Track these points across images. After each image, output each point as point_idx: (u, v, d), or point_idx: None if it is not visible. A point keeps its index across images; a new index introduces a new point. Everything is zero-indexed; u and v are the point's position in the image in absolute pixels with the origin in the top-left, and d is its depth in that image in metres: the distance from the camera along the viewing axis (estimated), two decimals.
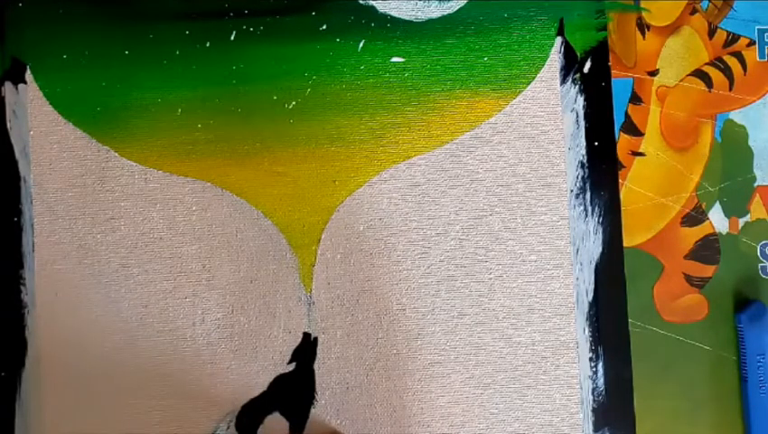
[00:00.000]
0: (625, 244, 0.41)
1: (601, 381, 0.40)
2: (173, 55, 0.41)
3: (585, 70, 0.41)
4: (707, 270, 0.41)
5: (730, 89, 0.42)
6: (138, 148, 0.41)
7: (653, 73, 0.42)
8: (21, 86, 0.41)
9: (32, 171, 0.41)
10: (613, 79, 0.41)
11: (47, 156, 0.41)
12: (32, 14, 0.41)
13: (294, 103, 0.41)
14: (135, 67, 0.41)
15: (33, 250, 0.40)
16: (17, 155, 0.41)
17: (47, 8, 0.41)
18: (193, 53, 0.41)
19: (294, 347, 0.40)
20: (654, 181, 0.41)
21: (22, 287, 0.40)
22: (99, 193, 0.41)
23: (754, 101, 0.42)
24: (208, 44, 0.41)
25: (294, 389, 0.40)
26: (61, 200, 0.41)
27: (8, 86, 0.41)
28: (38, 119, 0.41)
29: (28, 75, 0.41)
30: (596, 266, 0.41)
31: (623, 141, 0.41)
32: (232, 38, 0.41)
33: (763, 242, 0.41)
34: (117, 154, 0.41)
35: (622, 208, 0.41)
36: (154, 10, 0.41)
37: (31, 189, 0.41)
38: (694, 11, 0.42)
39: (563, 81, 0.41)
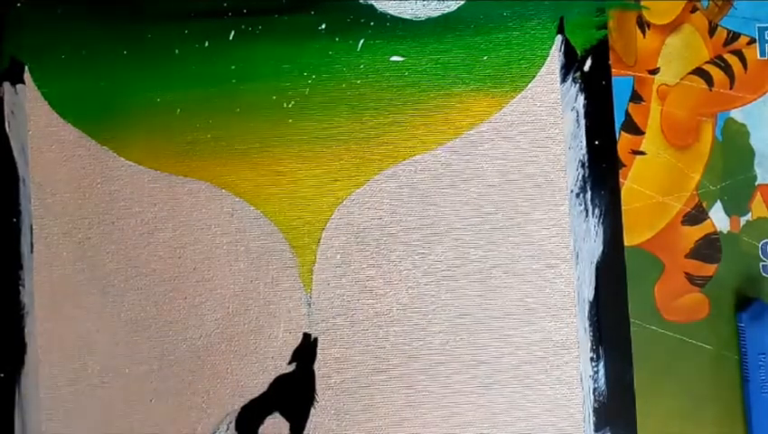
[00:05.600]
0: (626, 243, 0.41)
1: (602, 380, 0.40)
2: (171, 55, 0.41)
3: (586, 68, 0.41)
4: (708, 269, 0.41)
5: (731, 88, 0.41)
6: (137, 148, 0.41)
7: (654, 72, 0.41)
8: (19, 86, 0.41)
9: (31, 171, 0.41)
10: (613, 77, 0.41)
11: (46, 157, 0.41)
12: (31, 14, 0.41)
13: (293, 102, 0.41)
14: (133, 67, 0.41)
15: (32, 251, 0.40)
16: (16, 155, 0.41)
17: (45, 8, 0.41)
18: (192, 53, 0.41)
19: (294, 347, 0.40)
20: (655, 180, 0.41)
21: (21, 289, 0.40)
22: (98, 194, 0.41)
23: (755, 100, 0.41)
24: (207, 44, 0.41)
25: (294, 389, 0.40)
26: (60, 200, 0.41)
27: (6, 86, 0.41)
28: (36, 120, 0.41)
29: (26, 75, 0.41)
30: (597, 265, 0.40)
31: (624, 140, 0.41)
32: (231, 37, 0.41)
33: (765, 241, 0.41)
34: (115, 154, 0.41)
35: (623, 207, 0.41)
36: (152, 10, 0.41)
37: (29, 190, 0.41)
38: (694, 9, 0.42)
39: (563, 80, 0.41)
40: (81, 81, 0.41)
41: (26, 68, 0.41)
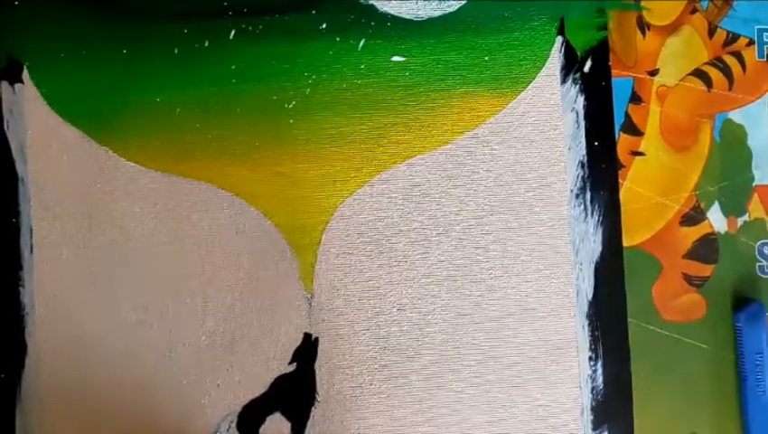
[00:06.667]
0: (625, 244, 0.41)
1: (600, 380, 0.40)
2: (171, 54, 0.41)
3: (586, 69, 0.41)
4: (706, 270, 0.41)
5: (729, 89, 0.42)
6: (137, 148, 0.40)
7: (653, 73, 0.42)
8: (18, 85, 0.41)
9: (30, 171, 0.40)
10: (613, 78, 0.41)
11: (45, 156, 0.40)
12: (30, 13, 0.41)
13: (293, 103, 0.41)
14: (133, 66, 0.41)
15: (32, 252, 0.40)
16: (14, 155, 0.40)
17: (44, 7, 0.41)
18: (192, 52, 0.41)
19: (294, 347, 0.40)
20: (654, 180, 0.41)
21: (21, 289, 0.40)
22: (98, 194, 0.40)
23: (753, 101, 0.42)
24: (207, 43, 0.41)
25: (295, 389, 0.40)
26: (59, 200, 0.40)
27: (5, 85, 0.41)
28: (35, 119, 0.41)
29: (25, 74, 0.41)
30: (596, 265, 0.41)
31: (623, 141, 0.41)
32: (231, 37, 0.41)
33: (762, 242, 0.41)
34: (115, 154, 0.40)
35: (622, 208, 0.41)
36: (152, 9, 0.41)
37: (28, 190, 0.40)
38: (694, 10, 0.42)
39: (563, 81, 0.41)
40: (81, 81, 0.40)
41: (25, 67, 0.41)
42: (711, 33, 0.42)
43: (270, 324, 0.40)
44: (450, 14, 0.41)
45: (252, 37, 0.41)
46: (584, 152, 0.41)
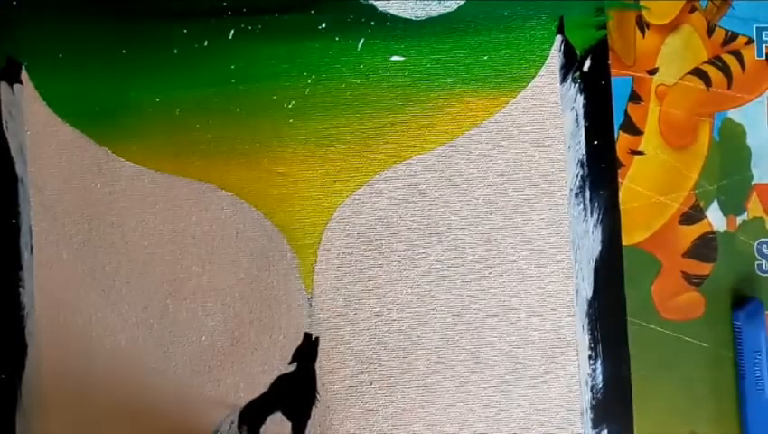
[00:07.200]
0: (624, 242, 0.41)
1: (600, 378, 0.40)
2: (171, 54, 0.41)
3: (585, 68, 0.41)
4: (705, 268, 0.41)
5: (728, 88, 0.42)
6: (136, 148, 0.40)
7: (653, 72, 0.42)
8: (17, 86, 0.41)
9: (29, 172, 0.40)
10: (612, 77, 0.41)
11: (44, 157, 0.40)
12: (28, 13, 0.41)
13: (293, 103, 0.41)
14: (132, 66, 0.41)
15: (32, 252, 0.40)
16: (14, 155, 0.40)
17: (43, 7, 0.41)
18: (192, 52, 0.41)
19: (294, 347, 0.40)
20: (653, 179, 0.41)
21: (21, 289, 0.40)
22: (97, 194, 0.40)
23: (752, 100, 0.42)
24: (206, 43, 0.41)
25: (295, 389, 0.40)
26: (59, 201, 0.40)
27: (4, 86, 0.41)
28: (34, 120, 0.40)
29: (24, 75, 0.41)
30: (596, 264, 0.41)
31: (623, 140, 0.41)
32: (231, 37, 0.41)
33: (760, 240, 0.41)
34: (114, 154, 0.40)
35: (621, 206, 0.41)
36: (151, 9, 0.41)
37: (28, 190, 0.40)
38: (693, 9, 0.42)
39: (563, 80, 0.41)
40: (80, 81, 0.40)
41: (24, 67, 0.41)
42: (710, 31, 0.42)
43: (270, 324, 0.40)
44: (449, 13, 0.41)
45: (251, 37, 0.41)
46: (583, 151, 0.41)
